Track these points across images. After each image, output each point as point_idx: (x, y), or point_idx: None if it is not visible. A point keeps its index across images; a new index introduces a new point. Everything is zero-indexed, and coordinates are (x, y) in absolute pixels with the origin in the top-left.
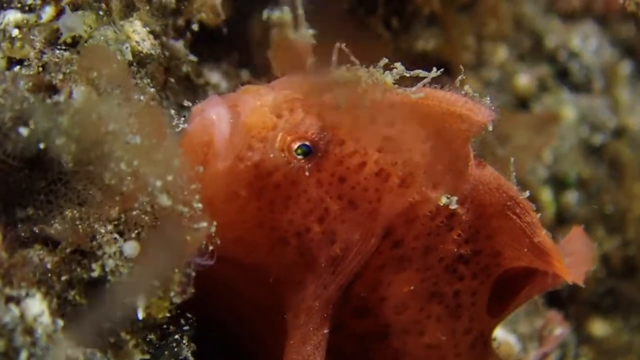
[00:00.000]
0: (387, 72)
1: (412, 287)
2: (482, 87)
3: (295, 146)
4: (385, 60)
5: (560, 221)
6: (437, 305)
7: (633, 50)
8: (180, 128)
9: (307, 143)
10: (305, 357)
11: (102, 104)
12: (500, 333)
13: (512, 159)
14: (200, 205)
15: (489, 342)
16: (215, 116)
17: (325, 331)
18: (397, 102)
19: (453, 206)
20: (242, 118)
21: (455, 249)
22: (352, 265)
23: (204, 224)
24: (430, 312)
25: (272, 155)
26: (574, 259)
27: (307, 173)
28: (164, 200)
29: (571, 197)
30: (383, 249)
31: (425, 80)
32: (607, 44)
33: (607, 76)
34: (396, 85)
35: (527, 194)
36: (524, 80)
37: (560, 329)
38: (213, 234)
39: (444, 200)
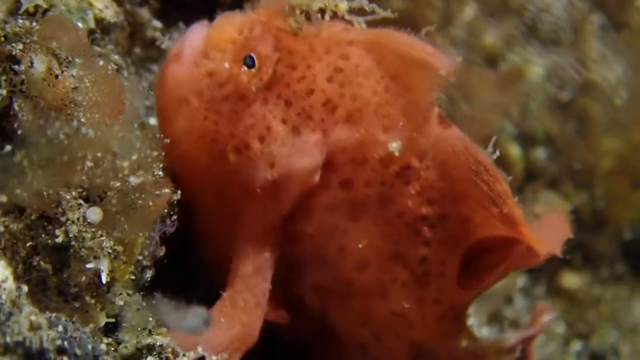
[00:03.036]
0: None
1: (370, 241)
2: (450, 46)
3: (242, 57)
4: None
5: (530, 177)
6: (402, 269)
7: (603, 3)
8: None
9: (253, 55)
10: (244, 277)
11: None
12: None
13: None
14: (161, 173)
15: (461, 316)
16: (189, 31)
17: (266, 255)
18: (357, 39)
19: (396, 152)
20: (208, 31)
21: (416, 208)
22: (295, 194)
23: (167, 190)
24: (395, 275)
25: (225, 65)
26: (550, 230)
27: (254, 88)
28: (124, 167)
29: (540, 153)
30: (330, 185)
31: (375, 16)
32: None
33: (576, 30)
34: (350, 15)
35: (497, 154)
36: (492, 38)
37: (547, 315)
38: (175, 201)
39: (393, 145)
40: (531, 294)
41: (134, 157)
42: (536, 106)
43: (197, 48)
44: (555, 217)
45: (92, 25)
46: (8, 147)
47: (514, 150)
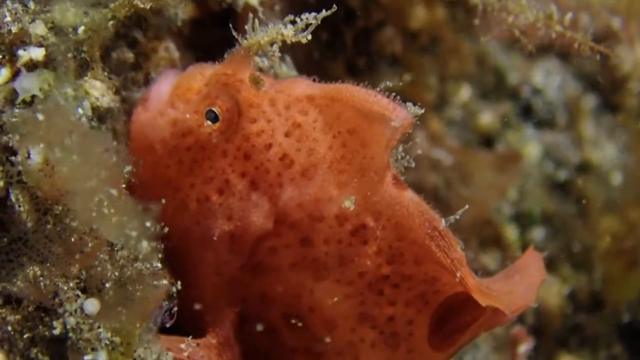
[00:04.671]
0: (289, 24)
1: (335, 301)
2: (446, 127)
3: (205, 111)
4: (290, 17)
5: None
6: (370, 329)
7: (597, 84)
8: None
9: (215, 110)
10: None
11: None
12: None
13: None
14: (159, 264)
15: None
16: (159, 78)
17: (226, 309)
18: (317, 94)
19: (351, 207)
20: (176, 80)
21: (376, 268)
22: (250, 247)
23: (165, 282)
24: (364, 336)
25: (187, 116)
26: (523, 276)
27: (214, 140)
28: (122, 257)
29: (537, 233)
30: (292, 243)
31: (315, 23)
32: (570, 78)
33: (571, 111)
34: (298, 35)
35: (443, 222)
36: (487, 118)
37: (524, 345)
38: (174, 293)
39: (346, 202)
40: None
41: (132, 248)
42: (533, 186)
43: (164, 96)
44: (529, 259)
45: (89, 113)
46: (5, 239)
47: (511, 231)
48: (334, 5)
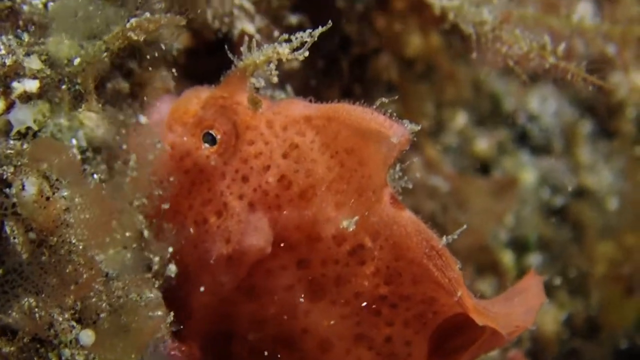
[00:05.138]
0: (284, 43)
1: (332, 322)
2: (442, 153)
3: (202, 133)
4: (285, 36)
5: None
6: (367, 350)
7: (593, 109)
8: None
9: (213, 132)
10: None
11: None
12: None
13: None
14: (152, 295)
15: None
16: (157, 103)
17: (203, 327)
18: (314, 114)
19: (351, 227)
20: (174, 104)
21: (374, 288)
22: (247, 269)
23: (160, 313)
24: (360, 357)
25: (185, 139)
26: (522, 299)
27: (212, 162)
28: (117, 288)
29: (533, 259)
30: (288, 265)
31: (311, 40)
32: (566, 104)
33: (567, 136)
34: (294, 53)
35: (444, 240)
36: (483, 144)
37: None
38: (169, 324)
39: (344, 222)
40: None
41: (127, 279)
42: (529, 212)
43: (162, 120)
44: (529, 282)
45: (84, 144)
46: (0, 270)
47: (507, 257)
48: (329, 22)
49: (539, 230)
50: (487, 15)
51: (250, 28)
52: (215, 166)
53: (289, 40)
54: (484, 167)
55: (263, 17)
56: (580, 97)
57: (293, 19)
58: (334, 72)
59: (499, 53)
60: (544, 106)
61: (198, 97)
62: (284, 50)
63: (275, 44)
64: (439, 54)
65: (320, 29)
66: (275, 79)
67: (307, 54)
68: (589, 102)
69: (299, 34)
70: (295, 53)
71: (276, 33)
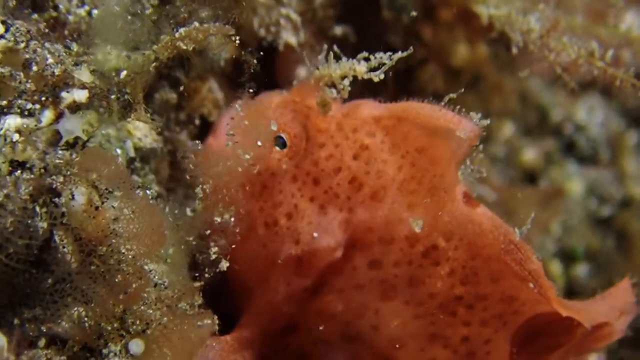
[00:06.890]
0: (362, 61)
1: (404, 321)
2: (489, 163)
3: (274, 137)
4: (364, 54)
5: (570, 294)
6: (442, 349)
7: (639, 121)
8: None
9: (284, 136)
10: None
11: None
12: None
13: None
14: (200, 301)
15: None
16: (230, 107)
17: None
18: (383, 114)
19: (418, 229)
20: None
21: (449, 289)
22: (317, 271)
23: (208, 321)
24: (435, 355)
25: (258, 143)
26: (611, 299)
27: (284, 166)
28: (166, 298)
29: (580, 269)
30: (359, 265)
31: (389, 64)
32: (613, 114)
33: (614, 147)
34: (370, 73)
35: (518, 234)
36: (530, 155)
37: (595, 356)
38: (216, 332)
39: (412, 223)
40: None
41: (176, 288)
42: (576, 222)
43: (233, 125)
44: (617, 287)
45: (132, 154)
46: (50, 280)
47: (555, 268)
48: (410, 48)
49: (586, 241)
50: (535, 23)
51: (293, 40)
52: (287, 169)
53: (367, 59)
54: (531, 178)
55: (308, 27)
56: (627, 108)
57: (338, 30)
58: (379, 82)
59: (547, 60)
60: (591, 116)
61: (270, 101)
62: (362, 68)
63: (354, 61)
64: (486, 64)
65: (399, 54)
66: (346, 95)
67: (382, 76)
68: (636, 112)
69: (378, 54)
70: (372, 73)
71: (318, 47)
